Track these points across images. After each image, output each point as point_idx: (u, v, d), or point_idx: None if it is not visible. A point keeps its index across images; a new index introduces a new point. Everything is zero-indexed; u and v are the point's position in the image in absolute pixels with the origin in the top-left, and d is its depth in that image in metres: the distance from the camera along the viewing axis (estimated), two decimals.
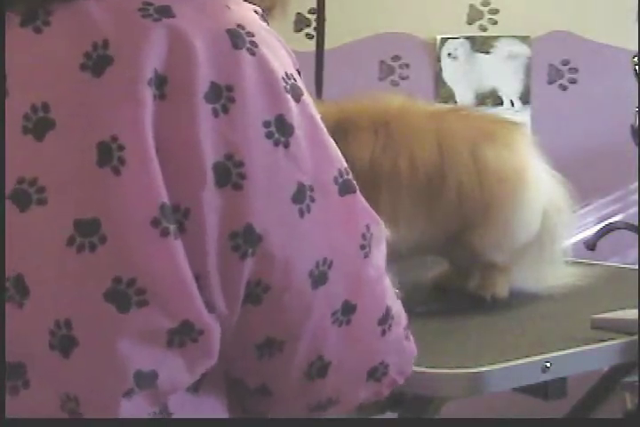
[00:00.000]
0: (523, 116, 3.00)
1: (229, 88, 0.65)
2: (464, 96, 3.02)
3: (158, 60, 0.64)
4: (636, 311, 1.19)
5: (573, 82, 3.09)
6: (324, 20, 2.36)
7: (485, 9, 3.04)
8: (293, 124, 0.69)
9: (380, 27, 2.96)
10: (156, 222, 0.64)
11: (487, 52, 3.03)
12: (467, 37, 3.02)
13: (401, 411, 1.29)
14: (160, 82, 0.64)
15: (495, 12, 3.04)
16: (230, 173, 0.65)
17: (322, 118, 1.38)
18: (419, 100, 1.48)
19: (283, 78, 0.69)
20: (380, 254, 0.77)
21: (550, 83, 3.09)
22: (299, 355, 0.72)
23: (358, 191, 0.75)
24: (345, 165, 0.75)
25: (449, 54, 3.01)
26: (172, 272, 0.65)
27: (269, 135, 0.67)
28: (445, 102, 2.93)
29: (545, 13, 3.05)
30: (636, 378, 1.60)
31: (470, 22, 3.04)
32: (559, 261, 1.46)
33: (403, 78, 3.01)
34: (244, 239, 0.66)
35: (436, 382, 1.07)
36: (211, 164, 0.65)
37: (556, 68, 3.09)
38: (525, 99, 3.06)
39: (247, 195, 0.66)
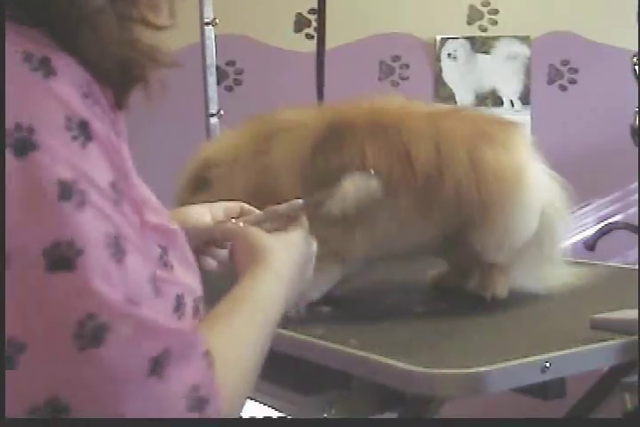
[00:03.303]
0: (523, 116, 3.00)
1: None
2: (464, 96, 3.03)
3: None
4: (636, 311, 1.19)
5: (573, 82, 3.09)
6: (324, 20, 2.36)
7: (485, 9, 3.04)
8: None
9: (380, 27, 2.97)
10: None
11: (487, 53, 3.04)
12: (467, 37, 3.02)
13: (401, 411, 1.30)
14: None
15: (495, 12, 3.04)
16: None
17: (316, 123, 1.35)
18: (416, 101, 1.48)
19: (6, 129, 0.63)
20: (120, 353, 0.63)
21: (550, 83, 3.09)
22: None
23: (83, 272, 0.62)
24: (71, 238, 0.62)
25: (449, 54, 3.01)
26: None
27: None
28: (445, 102, 2.93)
29: (545, 13, 3.05)
30: (635, 378, 1.60)
31: (470, 22, 3.05)
32: (558, 261, 1.46)
33: (403, 78, 3.01)
34: None
35: (436, 382, 1.07)
36: None
37: (556, 69, 3.09)
38: (525, 99, 3.06)
39: None
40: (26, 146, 0.62)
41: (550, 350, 1.13)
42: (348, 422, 1.32)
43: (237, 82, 2.91)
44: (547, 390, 1.18)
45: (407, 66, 3.01)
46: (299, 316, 1.31)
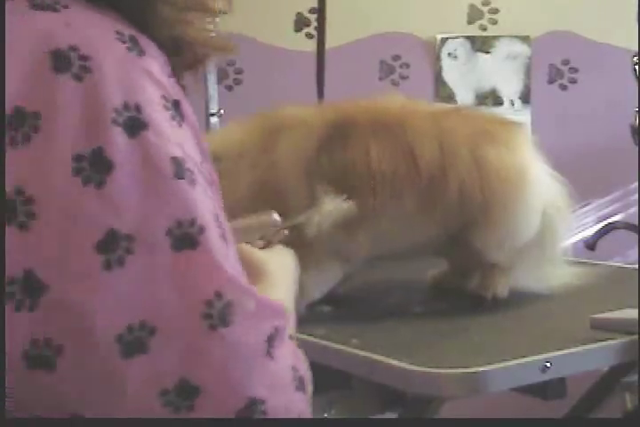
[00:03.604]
0: (523, 116, 3.00)
1: (36, 115, 0.59)
2: (464, 96, 3.02)
3: None
4: (636, 311, 1.19)
5: (573, 82, 3.09)
6: (324, 19, 2.36)
7: (485, 9, 3.04)
8: (114, 160, 0.60)
9: (380, 27, 2.96)
10: None
11: (487, 52, 3.03)
12: (467, 37, 3.02)
13: (401, 411, 1.30)
14: None
15: (495, 11, 3.04)
16: (16, 211, 0.58)
17: (318, 122, 1.34)
18: (418, 100, 1.48)
19: (115, 109, 0.60)
20: (247, 331, 0.63)
21: (550, 83, 3.09)
22: None
23: (207, 250, 0.62)
24: (192, 216, 0.62)
25: (449, 54, 3.01)
26: None
27: (78, 171, 0.59)
28: (445, 102, 2.93)
29: (545, 13, 3.05)
30: (635, 378, 1.60)
31: (470, 22, 3.04)
32: (559, 261, 1.46)
33: (403, 78, 3.01)
34: (22, 288, 0.58)
35: (436, 382, 1.07)
36: None
37: (556, 68, 3.09)
38: (525, 99, 3.06)
39: (33, 237, 0.58)
40: (136, 125, 0.61)
41: (550, 349, 1.13)
42: (348, 422, 1.32)
43: (237, 81, 2.91)
44: (547, 389, 1.18)
45: (407, 65, 3.01)
46: (299, 316, 1.31)
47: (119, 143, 0.60)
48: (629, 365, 1.41)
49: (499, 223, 1.36)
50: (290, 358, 0.66)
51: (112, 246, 0.59)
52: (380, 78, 3.00)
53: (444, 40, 3.00)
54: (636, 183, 2.91)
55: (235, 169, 1.40)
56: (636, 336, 1.16)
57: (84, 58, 0.60)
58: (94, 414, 0.61)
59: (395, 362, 1.10)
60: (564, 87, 3.09)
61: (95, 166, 0.59)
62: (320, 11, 2.37)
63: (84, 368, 0.60)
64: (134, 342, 0.60)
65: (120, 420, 0.63)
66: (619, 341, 1.17)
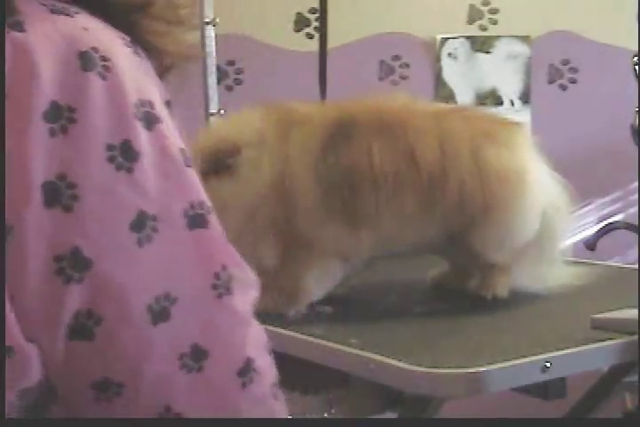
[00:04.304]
0: (523, 116, 3.00)
1: (71, 109, 0.65)
2: (464, 96, 3.03)
3: None
4: (636, 311, 1.19)
5: (573, 82, 3.09)
6: (326, 20, 2.35)
7: (485, 9, 3.04)
8: (140, 150, 0.67)
9: (380, 27, 2.96)
10: None
11: (487, 52, 3.03)
12: (467, 37, 3.02)
13: (401, 411, 1.30)
14: None
15: (495, 11, 3.04)
16: (61, 194, 0.65)
17: (322, 120, 1.35)
18: (420, 99, 1.48)
19: (135, 104, 0.67)
20: (242, 300, 0.71)
21: (550, 83, 3.09)
22: (141, 402, 0.67)
23: (214, 228, 0.71)
24: (201, 198, 0.70)
25: (449, 54, 3.01)
26: None
27: (111, 159, 0.66)
28: (445, 102, 2.93)
29: (545, 13, 3.05)
30: (635, 378, 1.60)
31: (470, 22, 3.05)
32: (559, 261, 1.46)
33: (403, 78, 3.01)
34: (70, 263, 0.65)
35: (436, 382, 1.07)
36: (39, 182, 0.64)
37: (556, 68, 3.09)
38: (525, 99, 3.06)
39: (77, 217, 0.65)
40: (151, 119, 0.68)
41: (550, 349, 1.13)
42: (348, 422, 1.32)
43: (237, 81, 2.91)
44: (547, 389, 1.18)
45: (407, 65, 3.01)
46: (299, 315, 1.31)
47: (141, 135, 0.67)
48: (629, 365, 1.42)
49: (498, 224, 1.36)
50: (258, 325, 0.73)
51: (142, 225, 0.67)
52: (380, 78, 3.00)
53: (443, 40, 3.00)
54: (636, 183, 2.91)
55: (257, 157, 1.37)
56: (635, 336, 1.16)
57: (104, 58, 0.67)
58: (122, 378, 0.66)
59: (394, 362, 1.10)
60: (564, 87, 3.09)
61: (124, 155, 0.66)
62: (322, 11, 2.37)
63: (120, 336, 0.66)
64: (160, 311, 0.66)
65: (120, 420, 0.66)
66: (619, 341, 1.17)
